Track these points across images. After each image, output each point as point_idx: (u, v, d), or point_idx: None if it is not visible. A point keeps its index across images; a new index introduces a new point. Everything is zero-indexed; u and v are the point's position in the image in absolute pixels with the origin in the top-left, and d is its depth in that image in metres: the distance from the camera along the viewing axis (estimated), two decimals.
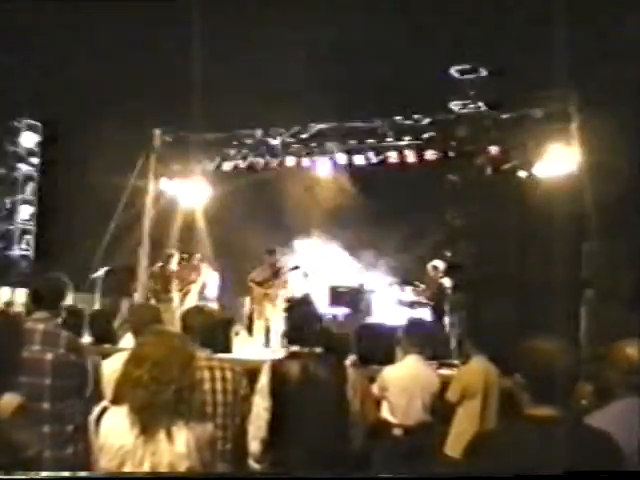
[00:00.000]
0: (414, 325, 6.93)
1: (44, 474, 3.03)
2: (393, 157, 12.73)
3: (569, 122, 11.28)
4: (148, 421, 3.08)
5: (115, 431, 3.13)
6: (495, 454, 2.82)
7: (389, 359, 7.22)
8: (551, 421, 2.84)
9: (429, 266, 12.08)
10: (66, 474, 2.95)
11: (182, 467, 3.06)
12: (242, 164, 13.91)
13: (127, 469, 3.04)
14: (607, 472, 2.70)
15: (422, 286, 12.32)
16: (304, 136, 13.36)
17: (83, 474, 3.00)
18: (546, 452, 2.72)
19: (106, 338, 8.19)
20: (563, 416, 2.86)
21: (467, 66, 11.94)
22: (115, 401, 3.26)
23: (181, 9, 10.09)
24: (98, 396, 4.31)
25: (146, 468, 3.03)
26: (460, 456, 4.51)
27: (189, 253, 13.56)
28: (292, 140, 13.51)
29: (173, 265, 12.78)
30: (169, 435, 3.07)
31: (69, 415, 4.33)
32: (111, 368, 4.53)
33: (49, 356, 4.30)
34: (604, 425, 2.98)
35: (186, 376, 3.19)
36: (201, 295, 12.92)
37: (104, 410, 3.32)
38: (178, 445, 3.07)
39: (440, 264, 12.05)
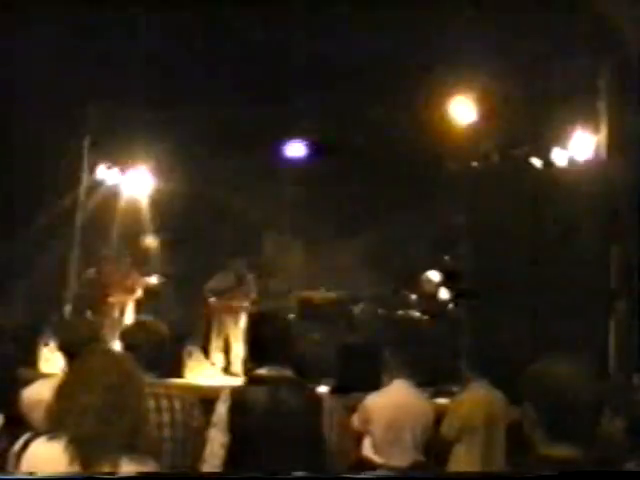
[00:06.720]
0: (403, 344, 6.94)
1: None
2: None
3: (597, 97, 11.25)
4: (93, 454, 3.03)
5: (45, 465, 3.05)
6: None
7: (373, 385, 7.18)
8: (572, 464, 2.74)
9: (423, 278, 12.07)
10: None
11: None
12: (197, 147, 13.81)
13: None
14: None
15: (414, 297, 12.32)
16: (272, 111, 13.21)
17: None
18: None
19: (29, 360, 8.14)
20: (588, 458, 2.76)
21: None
22: (49, 431, 3.20)
23: None
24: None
25: None
26: None
27: (131, 256, 13.48)
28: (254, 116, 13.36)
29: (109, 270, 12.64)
30: (115, 472, 3.05)
31: None
32: (35, 397, 4.47)
33: None
34: None
35: (143, 405, 3.21)
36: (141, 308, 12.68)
37: (29, 441, 3.27)
38: None
39: (435, 276, 12.04)
